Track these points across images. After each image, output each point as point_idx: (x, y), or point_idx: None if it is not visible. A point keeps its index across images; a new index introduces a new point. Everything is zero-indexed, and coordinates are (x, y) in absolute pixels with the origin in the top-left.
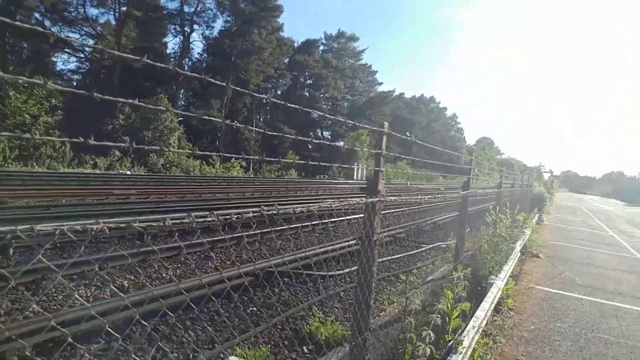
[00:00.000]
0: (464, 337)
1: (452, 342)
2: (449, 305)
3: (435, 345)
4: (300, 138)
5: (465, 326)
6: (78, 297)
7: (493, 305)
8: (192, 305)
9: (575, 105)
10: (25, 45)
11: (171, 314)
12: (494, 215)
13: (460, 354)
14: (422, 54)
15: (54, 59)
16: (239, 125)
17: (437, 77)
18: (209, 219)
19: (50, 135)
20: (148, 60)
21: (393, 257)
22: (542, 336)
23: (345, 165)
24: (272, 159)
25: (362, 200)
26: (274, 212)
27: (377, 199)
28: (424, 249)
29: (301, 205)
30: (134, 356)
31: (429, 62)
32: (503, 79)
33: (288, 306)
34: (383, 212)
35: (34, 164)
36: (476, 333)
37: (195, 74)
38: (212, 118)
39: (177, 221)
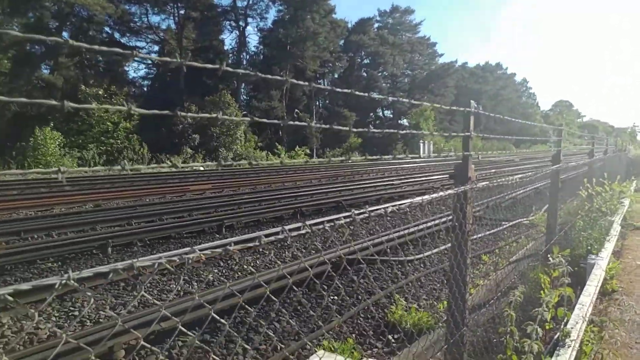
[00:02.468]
0: (571, 328)
1: (558, 334)
2: (546, 290)
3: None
4: (355, 129)
5: (571, 315)
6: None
7: (598, 289)
8: (273, 297)
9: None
10: (100, 58)
11: (249, 308)
12: (590, 189)
13: (569, 347)
14: (483, 20)
15: (126, 68)
16: (299, 123)
17: (503, 43)
18: (303, 231)
19: (130, 139)
20: (194, 64)
21: (473, 237)
22: None
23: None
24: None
25: (451, 190)
26: (365, 214)
27: (468, 186)
28: (505, 226)
29: (387, 202)
30: (221, 350)
31: (492, 27)
32: (579, 35)
33: (371, 294)
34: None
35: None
36: (583, 322)
37: (248, 71)
38: (270, 120)
39: (272, 238)
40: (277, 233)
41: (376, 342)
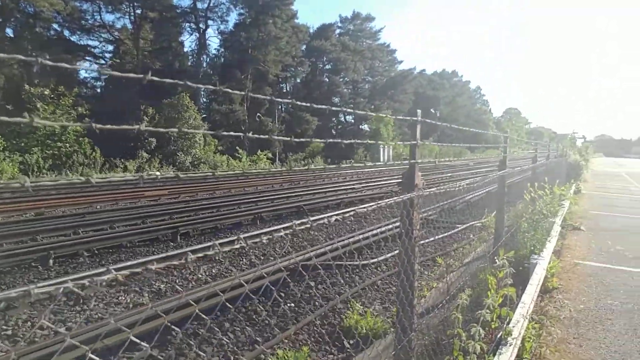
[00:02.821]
0: (513, 326)
1: (500, 333)
2: (492, 291)
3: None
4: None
5: (513, 314)
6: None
7: (539, 288)
8: (229, 305)
9: (606, 68)
10: (48, 56)
11: (205, 317)
12: (532, 192)
13: (510, 345)
14: (440, 28)
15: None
16: (261, 136)
17: (459, 51)
18: (236, 246)
19: (80, 143)
20: (154, 78)
21: (427, 240)
22: (593, 316)
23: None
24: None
25: (398, 197)
26: (307, 225)
27: (414, 193)
28: (459, 229)
29: (348, 206)
30: None
31: (449, 37)
32: (527, 46)
33: (327, 300)
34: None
35: (68, 172)
36: (525, 320)
37: (205, 86)
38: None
39: (201, 254)
40: (207, 248)
41: (332, 348)
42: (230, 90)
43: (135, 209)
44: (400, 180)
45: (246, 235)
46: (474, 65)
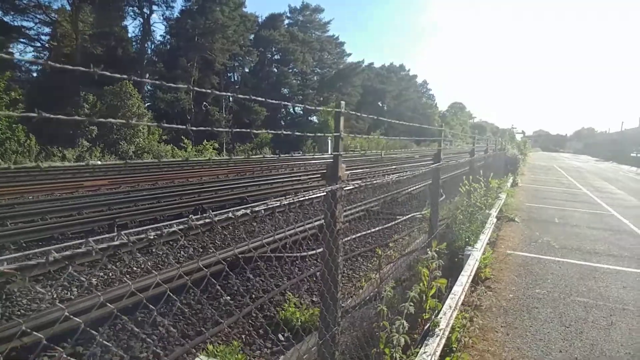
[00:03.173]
0: (441, 317)
1: (428, 325)
2: (424, 283)
3: (413, 327)
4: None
5: (442, 305)
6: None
7: (470, 279)
8: (147, 304)
9: (543, 64)
10: None
11: (122, 317)
12: (468, 185)
13: (437, 336)
14: (388, 22)
15: (10, 50)
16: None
17: (406, 45)
18: (116, 242)
19: (14, 130)
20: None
21: (368, 231)
22: (521, 304)
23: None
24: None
25: (320, 191)
26: (207, 220)
27: (337, 186)
28: (399, 220)
29: (245, 203)
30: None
31: (396, 30)
32: (471, 42)
33: (265, 292)
34: (353, 188)
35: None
36: (454, 311)
37: (152, 81)
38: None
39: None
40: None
41: (266, 342)
42: (173, 85)
43: (72, 200)
44: (324, 172)
45: (130, 231)
46: (421, 59)
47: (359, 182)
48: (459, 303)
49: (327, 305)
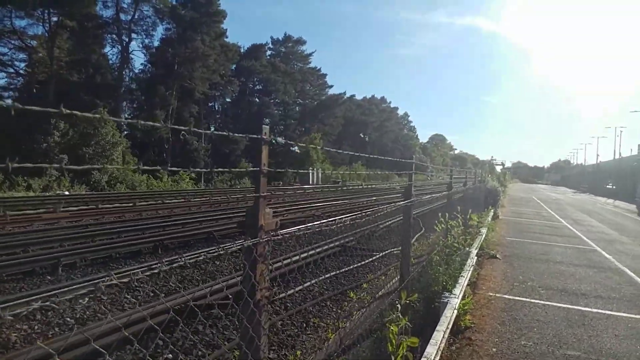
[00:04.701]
0: None
1: None
2: (393, 342)
3: None
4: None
5: None
6: None
7: (447, 334)
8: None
9: (518, 96)
10: None
11: None
12: (444, 224)
13: None
14: (369, 54)
15: None
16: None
17: (387, 78)
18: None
19: None
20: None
21: (338, 271)
22: None
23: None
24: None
25: (235, 244)
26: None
27: (257, 239)
28: (376, 257)
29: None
30: None
31: (378, 63)
32: (450, 74)
33: (215, 348)
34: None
35: None
36: None
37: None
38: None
39: None
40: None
41: None
42: (150, 123)
43: (22, 235)
44: (242, 220)
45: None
46: (401, 91)
47: (291, 230)
48: None
49: None
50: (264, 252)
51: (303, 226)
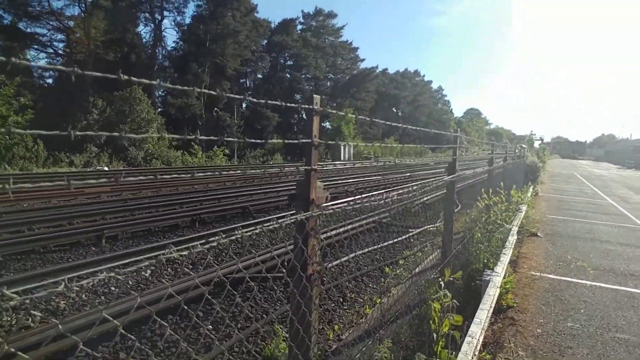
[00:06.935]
0: None
1: None
2: (436, 320)
3: None
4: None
5: (458, 352)
6: None
7: (490, 313)
8: (124, 332)
9: (564, 70)
10: None
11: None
12: (487, 200)
13: None
14: (403, 27)
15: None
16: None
17: (421, 50)
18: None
19: (22, 135)
20: None
21: (374, 247)
22: (552, 343)
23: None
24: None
25: (287, 219)
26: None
27: (310, 213)
28: (412, 233)
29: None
30: None
31: (411, 35)
32: (488, 46)
33: (250, 321)
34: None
35: (6, 165)
36: (472, 357)
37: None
38: None
39: None
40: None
41: None
42: (179, 87)
43: (67, 208)
44: (293, 193)
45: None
46: (436, 65)
47: (341, 202)
48: (477, 349)
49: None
50: (315, 226)
51: (351, 199)
